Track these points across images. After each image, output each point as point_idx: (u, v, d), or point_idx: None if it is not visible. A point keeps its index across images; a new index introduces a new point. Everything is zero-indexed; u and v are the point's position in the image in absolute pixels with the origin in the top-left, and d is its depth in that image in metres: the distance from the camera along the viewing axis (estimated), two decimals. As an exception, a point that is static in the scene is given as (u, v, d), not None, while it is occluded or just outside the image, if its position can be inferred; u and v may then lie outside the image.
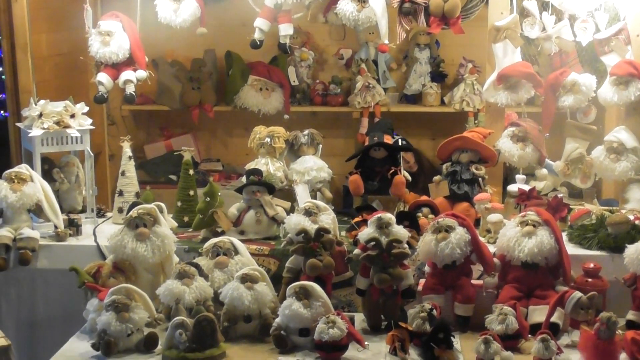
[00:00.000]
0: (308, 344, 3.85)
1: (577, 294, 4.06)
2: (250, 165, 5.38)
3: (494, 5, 5.45)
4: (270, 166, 5.36)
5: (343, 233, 4.72)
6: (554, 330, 3.95)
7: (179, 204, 5.26)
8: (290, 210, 4.93)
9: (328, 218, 4.57)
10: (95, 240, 4.91)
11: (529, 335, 3.96)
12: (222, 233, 4.85)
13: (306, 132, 5.50)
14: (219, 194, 5.20)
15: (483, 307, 4.12)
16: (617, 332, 3.79)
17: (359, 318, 4.20)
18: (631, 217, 4.73)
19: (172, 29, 5.37)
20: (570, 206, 4.99)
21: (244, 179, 5.21)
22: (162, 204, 4.68)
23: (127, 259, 4.35)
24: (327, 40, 6.27)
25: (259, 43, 5.23)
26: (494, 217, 4.83)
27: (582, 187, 5.26)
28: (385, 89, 5.94)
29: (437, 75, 6.03)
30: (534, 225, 4.25)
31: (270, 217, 4.94)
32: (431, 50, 6.06)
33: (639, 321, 4.02)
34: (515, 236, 4.24)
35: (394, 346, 3.82)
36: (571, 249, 4.54)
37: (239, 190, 5.09)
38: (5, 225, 4.87)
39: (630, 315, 4.11)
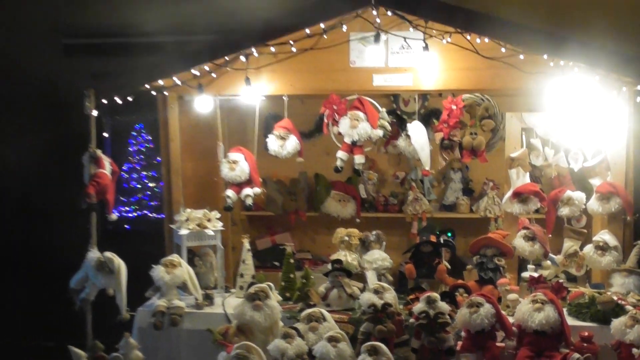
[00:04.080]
0: (378, 389, 3.85)
1: (576, 355, 4.03)
2: (334, 256, 5.43)
3: (509, 142, 5.51)
4: (348, 257, 5.40)
5: (401, 307, 4.70)
6: (560, 382, 3.95)
7: (282, 283, 5.26)
8: (363, 290, 4.93)
9: (391, 295, 4.60)
10: (224, 310, 4.94)
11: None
12: (314, 305, 4.84)
13: (374, 232, 5.57)
14: (312, 277, 5.28)
15: (505, 364, 4.15)
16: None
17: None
18: (615, 298, 4.68)
19: (277, 158, 5.42)
20: (569, 289, 4.94)
21: (329, 266, 5.28)
22: (271, 284, 4.67)
23: (246, 323, 4.38)
24: (387, 166, 6.29)
25: (340, 169, 5.23)
26: (512, 296, 4.79)
27: (577, 275, 5.19)
28: (429, 201, 5.93)
29: (467, 191, 6.04)
30: (542, 303, 4.23)
31: (348, 294, 4.95)
32: (462, 173, 6.07)
33: (623, 376, 4.00)
34: (529, 311, 4.23)
35: (441, 391, 3.87)
36: (570, 321, 4.48)
37: (326, 274, 5.13)
38: (161, 297, 4.95)
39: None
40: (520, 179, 5.46)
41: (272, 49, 4.91)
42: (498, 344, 4.28)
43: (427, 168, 5.62)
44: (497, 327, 4.27)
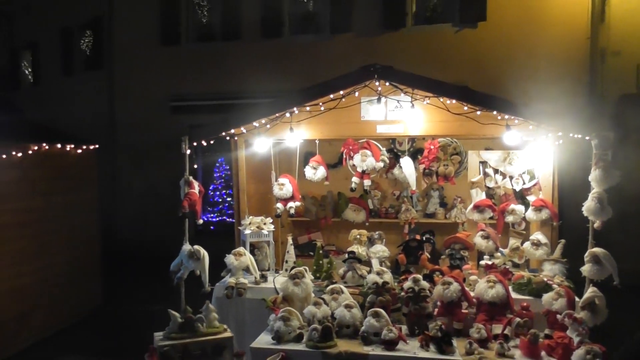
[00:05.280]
0: (379, 341, 3.81)
1: (517, 319, 4.01)
2: (350, 248, 5.41)
3: (471, 171, 5.51)
4: (359, 249, 5.37)
5: (396, 284, 4.63)
6: (506, 338, 3.89)
7: (314, 267, 5.24)
8: (369, 272, 4.87)
9: (388, 276, 4.57)
10: (274, 285, 4.92)
11: (493, 340, 3.90)
12: (335, 282, 4.85)
13: (377, 232, 5.55)
14: (334, 262, 5.30)
15: (468, 325, 4.08)
16: (539, 340, 3.73)
17: (404, 328, 4.13)
18: (545, 279, 4.60)
19: (311, 182, 5.49)
20: (513, 273, 4.85)
21: (346, 255, 5.25)
22: (306, 267, 4.69)
23: (289, 294, 4.40)
24: (387, 186, 6.21)
25: (354, 189, 5.28)
26: (473, 277, 4.74)
27: (519, 263, 5.10)
28: (416, 211, 5.87)
29: (442, 204, 5.92)
30: (494, 282, 4.18)
31: (359, 275, 4.92)
32: (439, 192, 5.95)
33: (551, 334, 3.90)
34: (484, 288, 4.19)
35: (423, 343, 3.83)
36: (514, 295, 4.42)
37: (344, 261, 5.12)
38: (231, 276, 4.98)
39: (546, 331, 3.98)
40: (479, 196, 5.44)
41: (308, 108, 4.96)
42: (463, 311, 4.21)
43: (414, 188, 5.67)
44: (463, 299, 4.21)
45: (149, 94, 12.00)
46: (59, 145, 6.89)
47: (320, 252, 5.38)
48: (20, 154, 6.18)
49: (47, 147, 6.61)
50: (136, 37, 12.10)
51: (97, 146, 7.68)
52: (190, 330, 3.99)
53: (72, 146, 7.12)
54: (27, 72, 14.34)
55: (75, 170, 7.34)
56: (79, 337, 6.83)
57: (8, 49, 14.24)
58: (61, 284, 7.01)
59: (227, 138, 5.51)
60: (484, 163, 5.56)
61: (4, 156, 5.95)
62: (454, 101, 4.64)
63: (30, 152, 6.33)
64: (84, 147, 7.39)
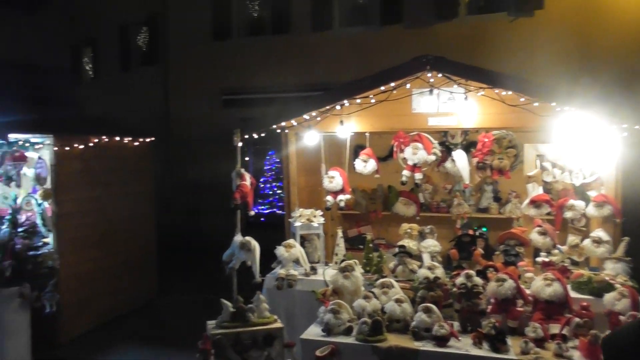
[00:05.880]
0: (430, 337, 3.75)
1: (577, 319, 3.86)
2: (400, 242, 5.31)
3: (527, 165, 5.33)
4: (410, 243, 5.27)
5: (447, 279, 4.54)
6: (564, 339, 3.75)
7: (364, 260, 5.21)
8: (420, 266, 4.79)
9: (440, 271, 4.47)
10: (324, 277, 4.93)
11: (550, 340, 3.77)
12: (385, 276, 4.80)
13: (429, 227, 5.43)
14: (384, 256, 5.25)
15: (523, 323, 3.95)
16: (599, 341, 3.57)
17: (455, 324, 4.04)
18: (607, 278, 4.41)
19: (362, 175, 5.45)
20: (572, 271, 4.68)
21: (396, 249, 5.18)
22: (356, 260, 4.66)
23: (339, 287, 4.38)
24: (438, 180, 6.11)
25: (405, 183, 5.21)
26: (528, 275, 4.58)
27: (578, 260, 4.91)
28: (469, 205, 5.74)
29: (496, 198, 5.80)
30: (551, 280, 4.03)
31: (410, 269, 4.87)
32: (493, 186, 5.81)
33: (613, 336, 3.75)
34: (541, 285, 4.03)
35: (475, 340, 3.74)
36: (573, 294, 4.24)
37: (394, 255, 5.07)
38: (282, 268, 5.02)
39: (608, 332, 3.83)
40: (536, 190, 5.27)
41: (358, 100, 4.92)
42: (518, 309, 4.07)
43: (467, 182, 5.55)
44: (518, 297, 4.06)
45: (202, 88, 12.25)
46: (117, 138, 7.13)
47: (370, 245, 5.35)
48: (81, 146, 6.43)
49: (106, 140, 6.85)
50: (189, 32, 12.37)
51: (152, 139, 7.91)
52: (242, 319, 4.05)
53: (130, 139, 7.36)
54: (87, 67, 14.91)
55: (132, 162, 7.59)
56: (135, 324, 7.08)
57: (70, 46, 14.84)
58: (119, 272, 7.28)
59: (278, 131, 5.55)
60: (541, 156, 5.37)
61: (67, 148, 6.21)
62: (509, 92, 4.50)
63: (90, 144, 6.58)
64: (141, 139, 7.62)
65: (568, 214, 5.04)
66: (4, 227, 5.41)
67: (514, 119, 4.70)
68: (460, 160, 5.45)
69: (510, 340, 3.73)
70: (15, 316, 5.09)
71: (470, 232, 5.39)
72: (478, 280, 4.13)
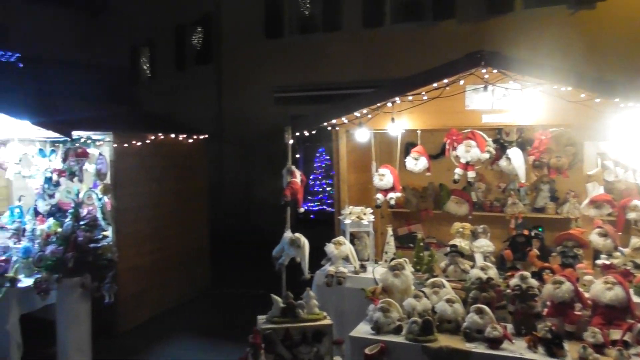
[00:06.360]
0: (482, 338, 3.65)
1: None
2: (452, 242, 5.25)
3: (587, 163, 5.14)
4: (462, 243, 5.20)
5: (500, 280, 4.43)
6: (625, 345, 3.58)
7: (414, 259, 5.14)
8: (472, 267, 4.72)
9: (493, 272, 4.35)
10: (373, 275, 4.91)
11: (610, 346, 3.61)
12: (436, 275, 4.72)
13: (482, 226, 5.30)
14: (435, 255, 5.17)
15: (581, 328, 3.82)
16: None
17: (509, 327, 3.91)
18: (672, 283, 4.21)
19: (412, 173, 5.39)
20: (635, 274, 4.49)
21: (448, 248, 5.11)
22: (406, 259, 4.60)
23: (388, 285, 4.32)
24: (492, 179, 6.00)
25: (457, 181, 5.11)
26: (587, 277, 4.39)
27: (641, 264, 4.72)
28: (524, 204, 5.61)
29: (553, 198, 5.63)
30: (612, 284, 3.83)
31: (462, 269, 4.79)
32: (550, 185, 5.65)
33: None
34: (601, 289, 3.83)
35: (530, 344, 3.63)
36: (636, 299, 4.04)
37: (446, 254, 4.98)
38: (331, 265, 5.02)
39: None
40: (596, 190, 5.06)
41: (410, 97, 4.86)
42: (576, 313, 3.91)
43: (523, 181, 5.41)
44: (576, 300, 3.89)
45: (254, 86, 12.44)
46: (172, 135, 7.33)
47: (421, 244, 5.28)
48: (139, 143, 6.66)
49: (162, 137, 7.06)
50: (242, 31, 12.59)
51: (206, 136, 8.09)
52: (292, 315, 4.08)
53: (184, 136, 7.56)
54: (145, 67, 15.41)
55: (186, 159, 7.79)
56: (189, 315, 7.28)
57: (129, 47, 15.39)
58: (174, 264, 7.50)
59: (329, 128, 5.56)
60: (602, 154, 5.14)
61: (125, 145, 6.44)
62: (569, 88, 4.33)
63: (147, 141, 6.80)
64: (195, 137, 7.81)
65: (631, 215, 4.81)
66: (67, 220, 5.66)
67: (574, 115, 4.52)
68: (516, 159, 5.31)
69: (567, 345, 3.59)
70: (77, 305, 5.31)
71: (525, 232, 5.23)
72: (533, 282, 3.99)
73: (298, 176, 4.81)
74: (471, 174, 5.09)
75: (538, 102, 4.66)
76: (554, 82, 4.32)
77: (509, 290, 4.06)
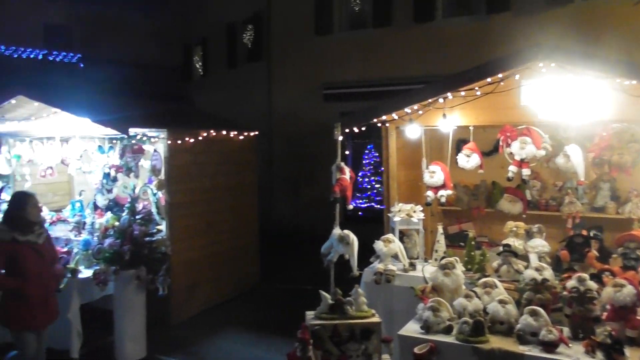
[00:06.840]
0: (537, 341, 3.55)
1: None
2: (505, 241, 5.11)
3: (652, 161, 4.90)
4: (515, 242, 5.06)
5: (556, 282, 4.28)
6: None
7: (465, 258, 5.06)
8: (526, 267, 4.56)
9: (548, 273, 4.21)
10: (423, 274, 4.86)
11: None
12: (488, 275, 4.63)
13: (536, 225, 5.15)
14: (487, 255, 5.06)
15: (644, 334, 3.63)
16: None
17: (565, 330, 3.78)
18: None
19: (464, 170, 5.28)
20: None
21: (500, 248, 4.98)
22: (457, 258, 4.53)
23: (438, 284, 4.28)
24: (547, 176, 5.79)
25: (511, 179, 4.99)
26: (651, 281, 4.24)
27: None
28: (582, 204, 5.40)
29: (614, 197, 5.38)
30: (679, 289, 3.69)
31: (515, 270, 4.66)
32: (610, 183, 5.41)
33: None
34: (668, 294, 3.70)
35: (588, 349, 3.49)
36: None
37: (498, 254, 4.87)
38: (380, 262, 5.00)
39: None
40: (661, 189, 4.78)
41: (462, 93, 4.76)
42: (638, 317, 3.71)
43: (582, 179, 5.18)
44: (638, 305, 3.70)
45: (303, 83, 12.51)
46: (224, 132, 7.48)
47: (473, 243, 5.18)
48: (192, 140, 6.82)
49: (214, 134, 7.21)
50: (292, 28, 12.68)
51: (257, 133, 8.20)
52: (340, 312, 4.09)
53: (235, 133, 7.69)
54: (197, 65, 15.80)
55: (237, 155, 7.92)
56: (239, 310, 7.42)
57: (183, 45, 15.81)
58: (224, 259, 7.65)
59: (379, 124, 5.52)
60: (668, 152, 4.87)
61: (179, 142, 6.61)
62: (633, 82, 4.12)
63: (200, 138, 6.95)
64: (246, 133, 7.94)
65: (700, 216, 4.53)
66: (124, 214, 5.87)
67: (638, 110, 4.29)
68: (575, 156, 5.09)
69: (628, 351, 3.44)
70: (132, 296, 5.51)
71: (584, 232, 5.03)
72: (592, 284, 3.83)
73: (347, 173, 4.79)
74: (526, 172, 4.95)
75: (599, 96, 4.46)
76: (617, 76, 4.13)
77: (565, 293, 3.92)
